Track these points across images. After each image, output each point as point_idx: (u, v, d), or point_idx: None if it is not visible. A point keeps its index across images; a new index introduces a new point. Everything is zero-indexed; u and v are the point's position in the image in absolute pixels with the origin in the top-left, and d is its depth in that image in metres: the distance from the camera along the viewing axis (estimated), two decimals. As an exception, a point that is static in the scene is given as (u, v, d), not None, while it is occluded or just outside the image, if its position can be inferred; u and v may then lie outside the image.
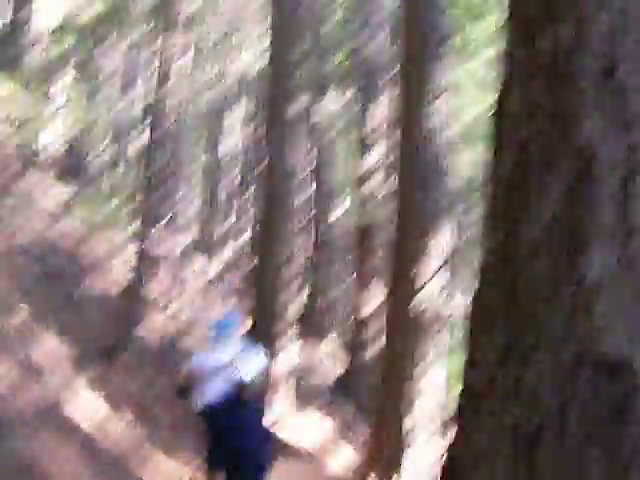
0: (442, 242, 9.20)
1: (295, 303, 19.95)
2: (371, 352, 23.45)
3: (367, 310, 23.20)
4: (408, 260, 9.04)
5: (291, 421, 18.25)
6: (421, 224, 9.12)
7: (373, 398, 23.51)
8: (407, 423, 8.32)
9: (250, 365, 5.64)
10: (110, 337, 15.48)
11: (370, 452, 8.84)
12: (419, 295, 8.56)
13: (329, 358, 26.90)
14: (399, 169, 9.89)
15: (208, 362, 6.78)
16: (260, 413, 5.51)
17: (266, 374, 5.64)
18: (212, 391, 6.37)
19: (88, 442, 9.25)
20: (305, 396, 21.24)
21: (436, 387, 8.65)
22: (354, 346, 24.04)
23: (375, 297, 23.45)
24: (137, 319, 16.41)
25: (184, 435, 11.27)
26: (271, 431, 5.83)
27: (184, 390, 6.86)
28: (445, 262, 8.92)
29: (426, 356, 8.57)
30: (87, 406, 10.73)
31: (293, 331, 19.59)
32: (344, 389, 23.67)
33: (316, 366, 24.99)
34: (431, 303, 8.68)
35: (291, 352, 19.55)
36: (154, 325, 19.86)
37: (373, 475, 8.74)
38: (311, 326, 27.60)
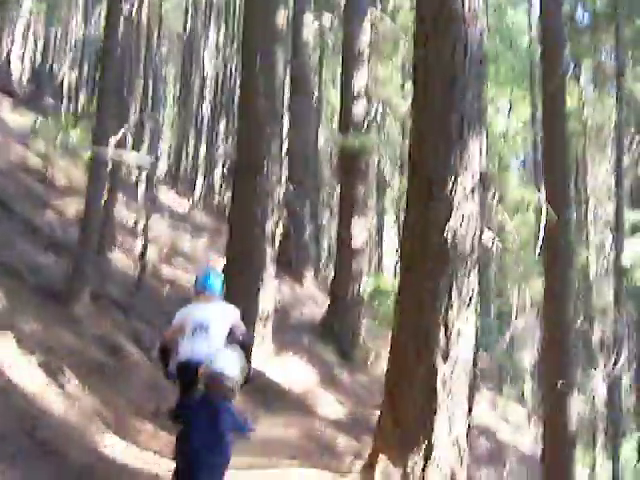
0: (474, 157, 7.18)
1: (272, 240, 18.15)
2: (355, 291, 21.74)
3: (355, 243, 21.36)
4: (429, 180, 7.04)
5: (271, 366, 16.70)
6: (446, 135, 7.08)
7: (363, 347, 22.09)
8: (439, 380, 6.43)
9: (230, 360, 5.13)
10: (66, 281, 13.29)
11: (385, 422, 6.92)
12: (449, 222, 6.59)
13: (309, 299, 25.09)
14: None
15: (192, 317, 6.72)
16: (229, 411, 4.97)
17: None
18: (194, 351, 6.28)
19: (26, 410, 7.23)
20: (284, 340, 19.59)
21: (468, 337, 6.78)
22: (336, 285, 22.20)
23: (362, 230, 21.68)
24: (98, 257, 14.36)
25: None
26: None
27: (165, 350, 6.82)
28: (479, 181, 6.95)
29: (458, 297, 6.66)
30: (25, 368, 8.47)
31: (270, 270, 17.82)
32: (325, 332, 21.92)
33: (295, 308, 23.16)
34: (462, 232, 6.72)
35: (269, 293, 17.79)
36: (118, 263, 18.04)
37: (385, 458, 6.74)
38: (289, 264, 25.74)
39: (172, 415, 5.35)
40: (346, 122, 22.13)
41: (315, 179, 27.91)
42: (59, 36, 32.28)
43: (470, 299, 6.63)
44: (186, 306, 7.30)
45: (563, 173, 13.35)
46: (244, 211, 17.36)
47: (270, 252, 17.93)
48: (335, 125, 28.17)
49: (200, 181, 32.09)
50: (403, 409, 6.50)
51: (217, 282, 7.17)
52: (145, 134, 25.66)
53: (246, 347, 6.47)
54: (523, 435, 23.31)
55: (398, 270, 27.19)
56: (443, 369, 6.41)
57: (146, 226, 16.18)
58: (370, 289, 24.49)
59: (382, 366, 24.10)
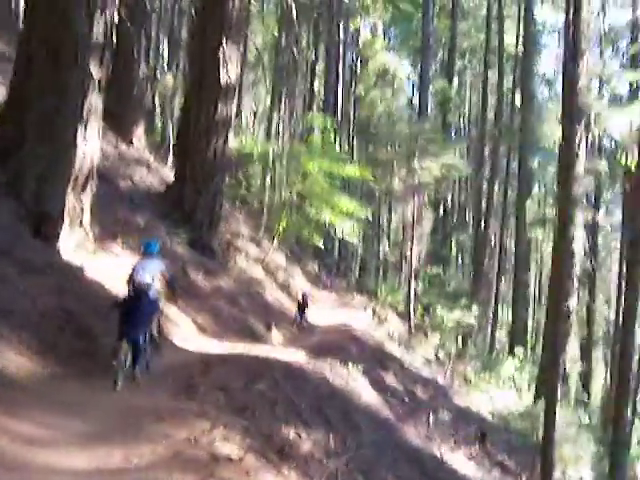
0: None
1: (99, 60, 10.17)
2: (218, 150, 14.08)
3: (224, 76, 13.54)
4: None
5: (93, 262, 9.29)
6: None
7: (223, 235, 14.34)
8: None
9: (147, 273, 7.96)
10: None
11: None
12: None
13: (139, 163, 17.01)
14: None
15: (139, 267, 8.29)
16: (149, 302, 7.75)
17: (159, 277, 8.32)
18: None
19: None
20: (111, 220, 11.89)
21: None
22: (190, 140, 14.35)
23: (235, 59, 13.89)
24: None
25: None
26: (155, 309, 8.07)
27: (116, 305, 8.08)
28: None
29: None
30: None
31: (95, 102, 9.93)
32: (170, 210, 14.20)
33: (122, 174, 15.06)
34: None
35: (92, 141, 9.96)
36: None
37: None
38: (112, 114, 17.37)
39: (114, 306, 7.71)
40: None
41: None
42: None
43: None
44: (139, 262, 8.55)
45: None
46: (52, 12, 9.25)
47: (97, 73, 10.02)
48: None
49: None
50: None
51: (156, 247, 8.74)
52: None
53: (172, 281, 8.95)
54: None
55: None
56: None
57: None
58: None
59: (248, 265, 17.35)
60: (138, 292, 7.66)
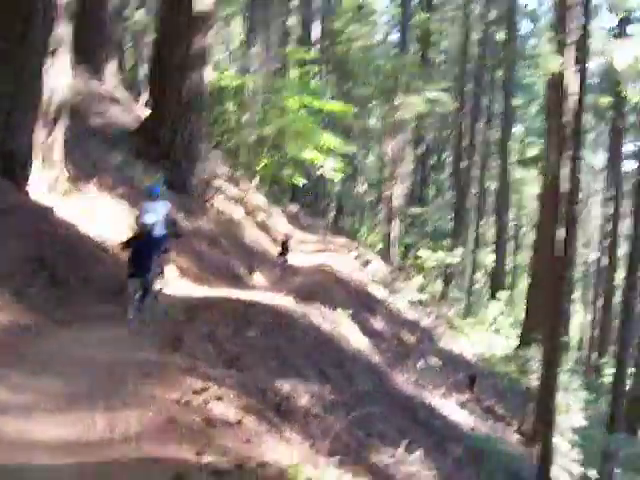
0: None
1: None
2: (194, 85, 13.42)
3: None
4: None
5: (66, 203, 9.31)
6: None
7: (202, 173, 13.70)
8: None
9: (151, 215, 8.36)
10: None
11: None
12: None
13: (111, 100, 16.22)
14: None
15: (145, 208, 8.91)
16: (152, 242, 8.30)
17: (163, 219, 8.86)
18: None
19: None
20: (83, 159, 11.25)
21: None
22: (166, 71, 13.60)
23: None
24: None
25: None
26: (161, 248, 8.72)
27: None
28: None
29: None
30: None
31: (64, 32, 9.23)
32: (145, 147, 13.54)
33: (93, 111, 14.35)
34: None
35: (62, 71, 9.28)
36: None
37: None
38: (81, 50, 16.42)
39: (124, 245, 8.18)
40: None
41: None
42: None
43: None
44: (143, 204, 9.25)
45: None
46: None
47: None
48: None
49: None
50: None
51: (159, 189, 9.47)
52: None
53: (175, 223, 9.71)
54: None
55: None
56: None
57: None
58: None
59: (227, 205, 16.73)
60: (142, 233, 8.07)
